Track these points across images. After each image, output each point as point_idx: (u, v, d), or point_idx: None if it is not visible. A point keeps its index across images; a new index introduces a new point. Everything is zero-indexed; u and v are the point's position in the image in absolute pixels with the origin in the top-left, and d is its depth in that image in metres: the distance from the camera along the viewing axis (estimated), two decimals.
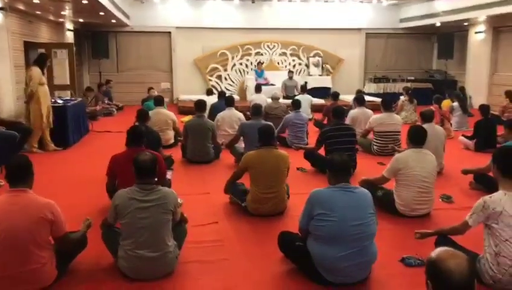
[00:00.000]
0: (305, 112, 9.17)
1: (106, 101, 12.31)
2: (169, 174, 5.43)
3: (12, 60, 8.16)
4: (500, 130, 7.79)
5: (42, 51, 9.81)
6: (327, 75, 14.99)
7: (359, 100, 8.27)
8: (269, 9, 14.55)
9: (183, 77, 14.73)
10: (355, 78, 15.53)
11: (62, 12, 10.41)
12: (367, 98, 10.38)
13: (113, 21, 12.37)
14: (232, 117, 7.61)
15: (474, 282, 1.73)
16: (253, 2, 14.02)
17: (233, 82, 14.89)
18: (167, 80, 14.84)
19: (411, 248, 3.67)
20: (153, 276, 3.20)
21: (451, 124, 9.28)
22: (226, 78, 14.86)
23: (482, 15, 11.66)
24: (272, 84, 13.40)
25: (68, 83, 10.29)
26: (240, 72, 14.88)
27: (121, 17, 11.77)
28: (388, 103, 7.49)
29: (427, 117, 6.11)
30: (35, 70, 7.22)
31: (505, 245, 2.94)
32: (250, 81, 13.63)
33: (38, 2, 8.45)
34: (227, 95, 9.14)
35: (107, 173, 4.41)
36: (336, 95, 9.80)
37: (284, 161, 4.52)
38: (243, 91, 14.22)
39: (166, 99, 9.76)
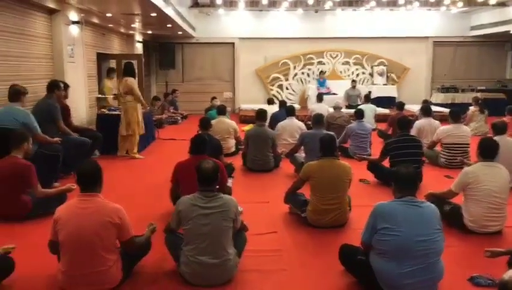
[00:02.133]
0: (369, 121, 8.98)
1: (172, 110, 12.72)
2: (229, 182, 5.50)
3: (86, 71, 8.64)
4: None
5: (113, 62, 10.35)
6: (392, 84, 14.64)
7: (425, 110, 7.98)
8: (332, 18, 14.44)
9: (245, 86, 14.94)
10: (421, 87, 15.04)
11: (132, 25, 10.92)
12: (434, 108, 10.02)
13: (180, 33, 12.79)
14: (293, 126, 7.60)
15: None
16: (316, 12, 13.99)
17: (294, 91, 14.89)
18: (229, 90, 15.10)
19: (481, 266, 3.47)
20: (213, 283, 3.23)
21: None
22: (287, 88, 14.89)
23: None
24: (334, 94, 13.28)
25: None
26: (302, 82, 14.85)
27: (187, 29, 12.15)
28: (457, 113, 7.17)
29: (499, 129, 5.81)
30: (135, 81, 7.63)
31: None
32: (312, 90, 13.57)
33: (111, 15, 8.92)
34: (288, 104, 9.14)
35: (171, 179, 4.54)
36: (401, 105, 9.56)
37: (346, 172, 4.44)
38: (304, 100, 14.18)
39: (228, 109, 9.94)
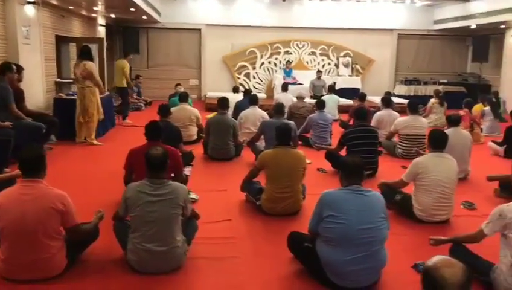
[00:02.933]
0: (331, 112, 9.07)
1: (135, 96, 12.49)
2: (187, 170, 5.47)
3: (43, 53, 8.35)
4: None
5: (73, 45, 10.05)
6: (357, 75, 14.79)
7: (386, 102, 8.11)
8: (300, 8, 14.45)
9: (212, 74, 14.80)
10: (385, 79, 15.26)
11: (94, 8, 10.61)
12: (396, 100, 10.22)
13: (144, 17, 12.52)
14: (256, 115, 7.60)
15: None
16: (283, 1, 13.93)
17: (261, 80, 14.86)
18: (196, 77, 14.94)
19: (426, 254, 3.50)
20: (161, 270, 3.21)
21: (481, 129, 9.00)
22: (254, 77, 14.84)
23: None
24: (300, 84, 13.31)
25: None
26: (268, 71, 14.84)
27: (151, 14, 11.91)
28: (414, 105, 7.31)
29: (453, 121, 5.97)
30: (93, 66, 7.45)
31: None
32: (278, 80, 13.57)
33: None
34: (252, 93, 9.13)
35: (125, 166, 4.47)
36: (362, 96, 9.69)
37: (300, 161, 4.47)
38: (270, 90, 14.19)
39: (193, 96, 9.85)
